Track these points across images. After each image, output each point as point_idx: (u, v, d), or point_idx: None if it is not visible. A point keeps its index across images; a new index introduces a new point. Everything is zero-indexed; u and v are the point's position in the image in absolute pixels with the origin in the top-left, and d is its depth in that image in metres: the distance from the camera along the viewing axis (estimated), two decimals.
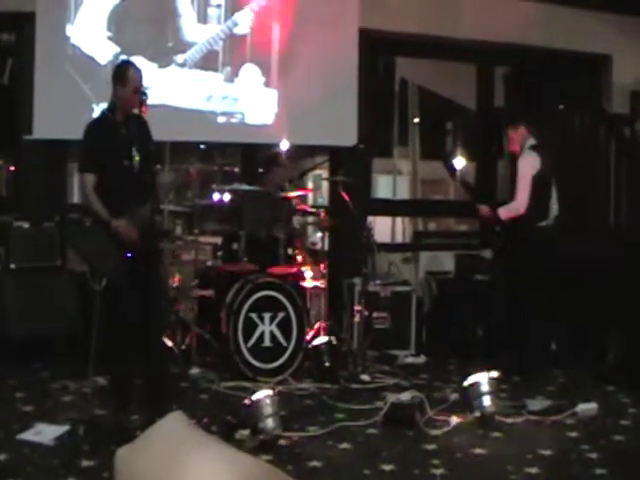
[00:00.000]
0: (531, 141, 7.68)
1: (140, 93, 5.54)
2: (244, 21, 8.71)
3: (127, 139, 5.54)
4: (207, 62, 8.64)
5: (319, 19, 8.95)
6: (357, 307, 7.95)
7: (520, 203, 7.49)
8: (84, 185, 5.60)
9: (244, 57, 8.76)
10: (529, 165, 7.54)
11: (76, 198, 9.03)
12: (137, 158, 5.50)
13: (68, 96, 8.07)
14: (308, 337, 7.51)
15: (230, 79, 8.72)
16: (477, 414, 6.07)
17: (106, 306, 5.42)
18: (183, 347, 7.37)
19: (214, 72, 8.66)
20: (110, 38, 8.21)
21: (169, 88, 8.42)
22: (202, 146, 8.73)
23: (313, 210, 8.59)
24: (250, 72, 8.75)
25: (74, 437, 5.37)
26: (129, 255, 5.36)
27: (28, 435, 5.43)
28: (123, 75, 5.63)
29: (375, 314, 8.37)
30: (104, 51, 8.17)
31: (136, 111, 5.57)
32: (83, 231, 6.47)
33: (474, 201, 7.91)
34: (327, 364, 7.33)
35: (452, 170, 8.05)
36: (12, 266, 7.68)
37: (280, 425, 5.50)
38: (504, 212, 7.61)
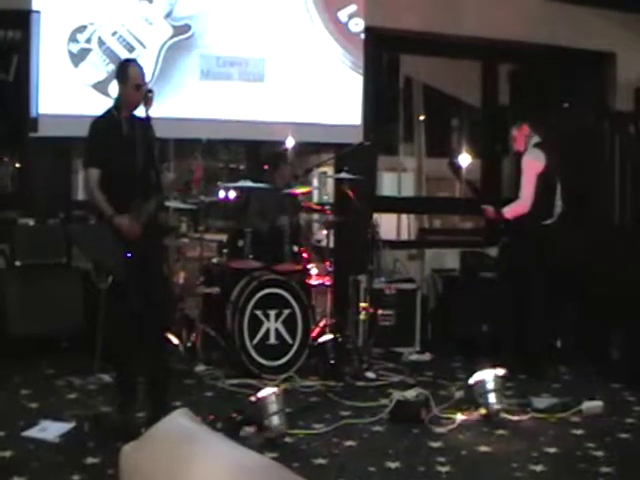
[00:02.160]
0: (535, 139, 7.67)
1: (143, 89, 5.54)
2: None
3: (131, 137, 5.53)
4: None
5: (326, 17, 8.96)
6: (362, 304, 7.95)
7: (525, 201, 7.48)
8: (88, 180, 5.61)
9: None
10: (533, 163, 7.54)
11: (81, 195, 9.03)
12: (141, 155, 5.48)
13: (73, 94, 8.08)
14: (313, 334, 7.51)
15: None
16: (482, 411, 6.08)
17: (110, 303, 5.43)
18: (188, 344, 7.38)
19: None
20: (118, 38, 8.23)
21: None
22: (203, 139, 8.66)
23: (318, 207, 8.59)
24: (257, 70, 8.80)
25: (79, 434, 5.38)
26: (129, 255, 5.35)
27: (33, 432, 5.44)
28: (123, 73, 5.66)
29: (380, 311, 8.37)
30: (110, 51, 8.18)
31: (142, 109, 5.56)
32: (86, 228, 6.49)
33: (479, 202, 7.88)
34: (332, 361, 7.34)
35: (457, 168, 8.02)
36: (17, 263, 7.69)
37: (285, 422, 5.51)
38: (509, 211, 7.59)
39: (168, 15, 8.44)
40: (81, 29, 8.11)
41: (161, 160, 5.78)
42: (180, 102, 8.42)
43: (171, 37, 8.44)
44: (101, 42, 8.15)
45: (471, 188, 8.31)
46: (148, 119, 5.61)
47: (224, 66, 8.67)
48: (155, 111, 5.60)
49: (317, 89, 8.97)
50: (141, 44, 8.29)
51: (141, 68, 5.73)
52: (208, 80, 8.61)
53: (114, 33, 8.18)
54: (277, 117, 8.78)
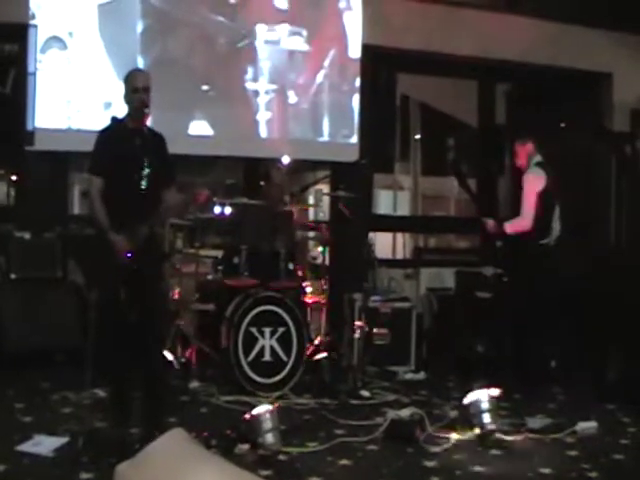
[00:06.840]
0: (537, 158, 7.68)
1: (143, 94, 5.53)
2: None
3: (138, 150, 5.48)
4: None
5: (322, 35, 9.03)
6: (357, 323, 7.93)
7: (526, 219, 7.47)
8: (90, 188, 5.59)
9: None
10: (535, 182, 7.54)
11: (77, 209, 9.04)
12: (146, 172, 5.45)
13: (70, 107, 8.09)
14: (308, 352, 7.50)
15: None
16: (477, 431, 6.05)
17: (104, 319, 5.42)
18: (183, 360, 7.36)
19: None
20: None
21: None
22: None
23: (314, 225, 8.59)
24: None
25: (73, 449, 5.34)
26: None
27: (27, 446, 5.41)
28: (125, 80, 5.69)
29: (375, 330, 8.35)
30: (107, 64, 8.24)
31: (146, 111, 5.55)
32: (82, 243, 6.47)
33: (479, 215, 7.84)
34: (327, 379, 7.33)
35: (459, 172, 7.99)
36: (12, 276, 7.69)
37: (280, 440, 5.49)
38: (510, 226, 7.58)
39: None
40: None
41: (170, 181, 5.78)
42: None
43: None
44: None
45: (467, 190, 8.24)
46: (160, 137, 5.63)
47: None
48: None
49: (313, 106, 9.05)
50: None
51: (142, 72, 5.77)
52: None
53: None
54: (274, 134, 8.83)
